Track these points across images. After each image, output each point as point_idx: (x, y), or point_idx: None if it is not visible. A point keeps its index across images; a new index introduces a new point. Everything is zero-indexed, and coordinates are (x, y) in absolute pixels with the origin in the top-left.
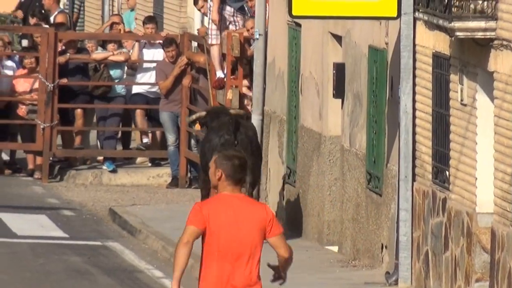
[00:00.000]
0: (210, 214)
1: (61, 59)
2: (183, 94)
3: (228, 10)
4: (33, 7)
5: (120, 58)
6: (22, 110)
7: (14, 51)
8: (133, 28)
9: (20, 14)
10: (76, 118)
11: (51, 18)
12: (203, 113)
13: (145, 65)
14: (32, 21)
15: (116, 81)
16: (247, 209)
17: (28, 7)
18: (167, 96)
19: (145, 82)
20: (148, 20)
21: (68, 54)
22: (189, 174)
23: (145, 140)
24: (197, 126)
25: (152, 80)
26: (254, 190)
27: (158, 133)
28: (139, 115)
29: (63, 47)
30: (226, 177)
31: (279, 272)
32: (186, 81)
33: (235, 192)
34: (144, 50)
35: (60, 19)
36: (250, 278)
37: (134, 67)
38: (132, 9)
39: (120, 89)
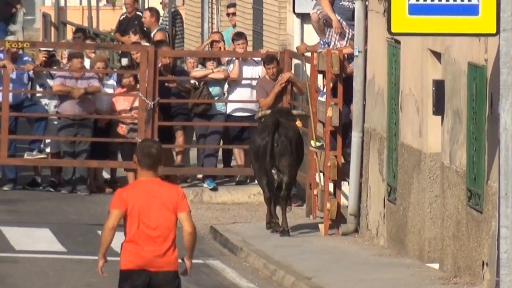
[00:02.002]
0: (129, 197)
1: (171, 85)
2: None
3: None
4: (132, 25)
5: (220, 75)
6: (122, 129)
7: (114, 70)
8: (229, 45)
9: (119, 36)
10: (176, 136)
11: (151, 35)
12: (268, 111)
13: (244, 82)
14: (134, 38)
15: (216, 98)
16: (160, 191)
17: (126, 25)
18: None
19: (244, 100)
20: (238, 36)
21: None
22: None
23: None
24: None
25: (245, 96)
26: (289, 191)
27: None
28: (179, 135)
29: (161, 68)
30: (138, 162)
31: (187, 265)
32: (286, 98)
33: (149, 177)
34: (243, 67)
35: (159, 36)
36: (164, 248)
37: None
38: (234, 25)
39: (220, 106)
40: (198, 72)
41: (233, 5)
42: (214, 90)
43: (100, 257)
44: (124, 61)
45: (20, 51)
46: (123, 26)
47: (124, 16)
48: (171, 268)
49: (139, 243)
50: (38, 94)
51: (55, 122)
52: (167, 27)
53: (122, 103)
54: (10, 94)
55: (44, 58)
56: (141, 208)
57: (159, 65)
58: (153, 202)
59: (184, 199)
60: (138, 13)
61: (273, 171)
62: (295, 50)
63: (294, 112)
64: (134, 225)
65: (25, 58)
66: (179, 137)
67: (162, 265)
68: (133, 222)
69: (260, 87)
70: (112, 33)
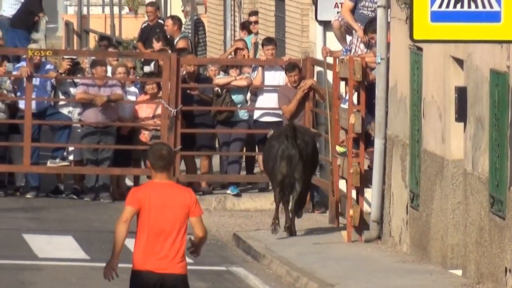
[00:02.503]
0: (142, 196)
1: (194, 92)
2: (306, 118)
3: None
4: (154, 33)
5: (243, 83)
6: (144, 136)
7: (137, 77)
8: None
9: (141, 46)
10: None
11: (174, 43)
12: (272, 132)
13: (266, 88)
14: (157, 45)
15: (239, 105)
16: (173, 194)
17: (148, 33)
18: (291, 119)
19: (267, 107)
20: (267, 41)
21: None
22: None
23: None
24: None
25: (271, 102)
26: (300, 195)
27: None
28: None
29: (185, 76)
30: (151, 166)
31: (196, 246)
32: (309, 105)
33: (163, 179)
34: (265, 73)
35: (182, 44)
36: (174, 250)
37: (253, 92)
38: (257, 33)
39: (243, 114)
40: (221, 79)
41: (255, 13)
42: (237, 97)
43: (115, 256)
44: (147, 69)
45: (43, 59)
46: (145, 34)
47: (145, 24)
48: (182, 271)
49: (151, 244)
50: (61, 102)
51: (78, 130)
52: (190, 35)
53: (145, 110)
54: (33, 102)
55: (68, 66)
56: (153, 209)
57: (183, 72)
58: (166, 204)
59: (196, 203)
60: (160, 21)
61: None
62: (317, 57)
63: (312, 130)
64: (145, 226)
65: (48, 66)
66: (204, 160)
67: (172, 267)
68: (145, 223)
69: (282, 95)
70: (134, 41)
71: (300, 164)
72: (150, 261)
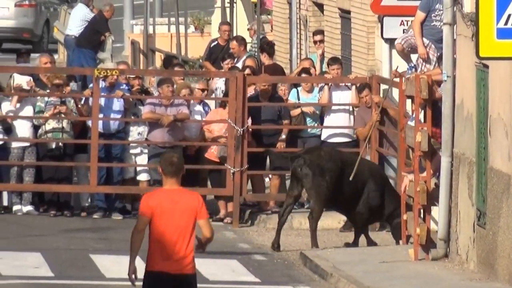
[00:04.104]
0: (153, 203)
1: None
2: (372, 137)
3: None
4: (226, 53)
5: (312, 109)
6: (213, 154)
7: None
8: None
9: (208, 65)
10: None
11: (240, 63)
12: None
13: (334, 107)
14: (226, 66)
15: (310, 121)
16: (182, 199)
17: (219, 53)
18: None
19: (337, 126)
20: (333, 61)
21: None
22: None
23: None
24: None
25: (339, 122)
26: (314, 213)
27: None
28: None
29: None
30: (163, 171)
31: (202, 245)
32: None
33: (173, 186)
34: (332, 93)
35: (249, 63)
36: (184, 251)
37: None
38: (323, 54)
39: (315, 131)
40: (295, 111)
41: (319, 32)
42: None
43: (131, 261)
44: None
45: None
46: (215, 54)
47: (215, 43)
48: (193, 272)
49: (164, 247)
50: (132, 124)
51: (145, 150)
52: (256, 53)
53: (216, 124)
54: (100, 122)
55: (138, 87)
56: (165, 214)
57: (258, 90)
58: (175, 208)
59: (203, 207)
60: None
61: (303, 193)
62: (383, 75)
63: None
64: (159, 230)
65: (122, 87)
66: (275, 180)
67: (182, 267)
68: (158, 227)
69: (359, 116)
70: (200, 60)
71: (308, 183)
72: (165, 263)
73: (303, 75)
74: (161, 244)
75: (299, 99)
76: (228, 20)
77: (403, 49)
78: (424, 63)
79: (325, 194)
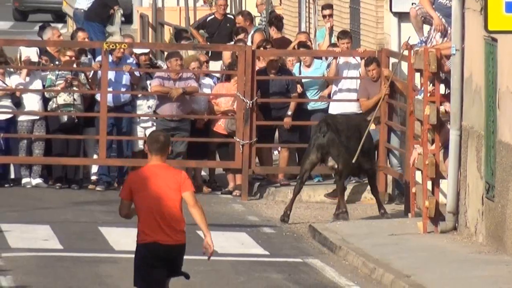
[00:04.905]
0: (133, 181)
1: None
2: (382, 110)
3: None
4: (225, 28)
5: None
6: (221, 126)
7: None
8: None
9: (196, 33)
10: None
11: (249, 37)
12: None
13: (341, 86)
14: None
15: (315, 93)
16: (166, 174)
17: (217, 27)
18: (366, 114)
19: (342, 99)
20: (343, 34)
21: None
22: (389, 191)
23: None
24: (372, 126)
25: (348, 96)
26: (342, 179)
27: None
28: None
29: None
30: (148, 148)
31: (208, 246)
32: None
33: (157, 161)
34: (340, 67)
35: (258, 37)
36: (175, 223)
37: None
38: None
39: (319, 104)
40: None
41: (328, 6)
42: (311, 87)
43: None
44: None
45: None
46: (213, 28)
47: (212, 17)
48: (181, 242)
49: (150, 221)
50: (139, 96)
51: (154, 123)
52: (265, 27)
53: (223, 98)
54: (109, 96)
55: (146, 62)
56: (149, 190)
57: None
58: (160, 184)
59: (187, 180)
60: (229, 16)
61: (329, 161)
62: (392, 49)
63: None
64: (143, 204)
65: (129, 60)
66: (284, 152)
67: (172, 239)
68: (142, 201)
69: (363, 88)
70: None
71: (335, 150)
72: (155, 235)
73: (301, 49)
74: (148, 217)
75: (300, 73)
76: None
77: (417, 15)
78: (435, 35)
79: (349, 158)
